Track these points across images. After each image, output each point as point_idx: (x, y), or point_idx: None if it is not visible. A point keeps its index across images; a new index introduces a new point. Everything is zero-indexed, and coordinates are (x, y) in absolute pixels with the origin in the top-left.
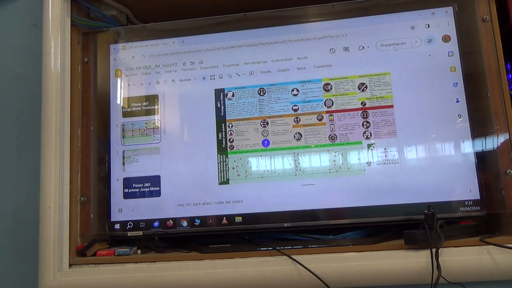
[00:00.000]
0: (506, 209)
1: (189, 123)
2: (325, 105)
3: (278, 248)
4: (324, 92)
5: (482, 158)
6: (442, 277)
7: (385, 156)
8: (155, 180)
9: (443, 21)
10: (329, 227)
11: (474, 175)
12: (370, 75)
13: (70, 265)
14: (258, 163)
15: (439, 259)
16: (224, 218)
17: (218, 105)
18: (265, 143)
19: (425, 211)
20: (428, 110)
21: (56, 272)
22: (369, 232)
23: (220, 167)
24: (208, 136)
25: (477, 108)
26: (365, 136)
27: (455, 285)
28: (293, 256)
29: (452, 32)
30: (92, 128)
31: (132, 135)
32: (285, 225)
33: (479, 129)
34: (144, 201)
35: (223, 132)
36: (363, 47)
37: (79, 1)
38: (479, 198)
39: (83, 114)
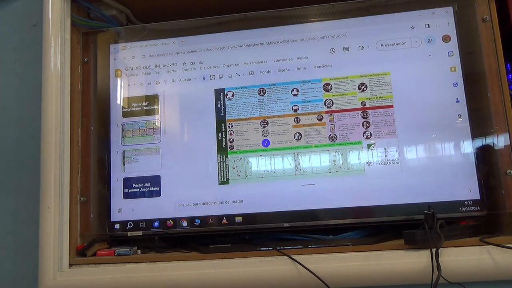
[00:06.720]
0: (506, 209)
1: (189, 123)
2: (325, 105)
3: (278, 248)
4: (324, 92)
5: (482, 158)
6: (442, 277)
7: (385, 156)
8: (155, 180)
9: (443, 21)
10: (329, 227)
11: (474, 175)
12: (370, 75)
13: (70, 265)
14: (258, 163)
15: (439, 259)
16: (224, 218)
17: (218, 105)
18: (265, 143)
19: (425, 211)
20: (428, 110)
21: (56, 272)
22: (369, 232)
23: (220, 167)
24: (208, 136)
25: (477, 108)
26: (365, 136)
27: (455, 285)
28: (293, 256)
29: (452, 32)
30: (92, 128)
31: (132, 135)
32: (285, 225)
33: (479, 129)
34: (144, 201)
35: (223, 132)
36: (363, 47)
37: (79, 1)
38: (479, 198)
39: (83, 114)
